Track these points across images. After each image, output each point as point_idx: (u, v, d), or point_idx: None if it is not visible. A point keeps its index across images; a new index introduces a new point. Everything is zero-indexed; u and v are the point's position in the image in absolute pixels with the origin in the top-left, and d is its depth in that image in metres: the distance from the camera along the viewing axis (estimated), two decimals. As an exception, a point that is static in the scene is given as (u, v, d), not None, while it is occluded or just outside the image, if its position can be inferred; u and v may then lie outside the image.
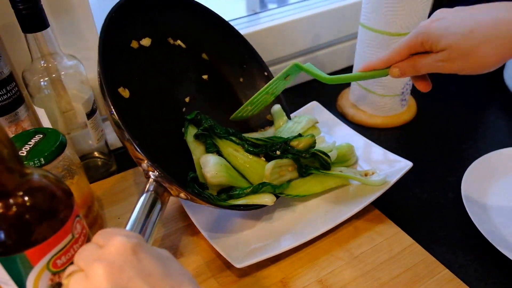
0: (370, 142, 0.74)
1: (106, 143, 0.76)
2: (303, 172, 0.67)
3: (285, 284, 0.57)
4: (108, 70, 0.55)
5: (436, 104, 0.93)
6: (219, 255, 0.60)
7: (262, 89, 0.68)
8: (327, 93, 0.96)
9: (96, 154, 0.76)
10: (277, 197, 0.64)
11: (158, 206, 0.53)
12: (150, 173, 0.54)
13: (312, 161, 0.67)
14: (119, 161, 0.79)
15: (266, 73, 0.77)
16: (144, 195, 0.53)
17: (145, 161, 0.53)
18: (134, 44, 0.66)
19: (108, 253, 0.34)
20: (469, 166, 0.70)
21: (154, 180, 0.54)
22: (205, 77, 0.75)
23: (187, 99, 0.72)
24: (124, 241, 0.35)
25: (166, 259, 0.37)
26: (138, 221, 0.50)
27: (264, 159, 0.67)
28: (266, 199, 0.62)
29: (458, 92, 0.96)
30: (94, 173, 0.75)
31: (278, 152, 0.66)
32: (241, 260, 0.56)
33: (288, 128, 0.73)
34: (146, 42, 0.67)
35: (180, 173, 0.62)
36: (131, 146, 0.53)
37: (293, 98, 0.95)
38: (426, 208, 0.69)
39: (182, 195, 0.55)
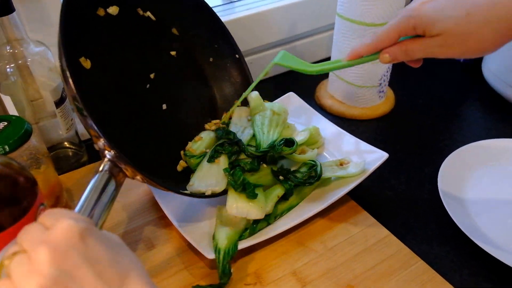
0: (346, 133, 0.73)
1: (76, 133, 0.74)
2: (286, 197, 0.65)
3: (258, 275, 0.56)
4: (69, 37, 0.52)
5: (414, 96, 0.93)
6: (191, 246, 0.58)
7: (244, 93, 0.68)
8: (305, 85, 0.96)
9: (66, 144, 0.74)
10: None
11: (112, 187, 0.50)
12: (106, 152, 0.51)
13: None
14: (91, 151, 0.77)
15: (237, 56, 0.75)
16: (97, 175, 0.50)
17: (101, 139, 0.50)
18: (101, 12, 0.62)
19: (54, 236, 0.32)
20: (446, 158, 0.70)
21: (109, 160, 0.51)
22: (173, 53, 0.72)
23: (152, 75, 0.69)
24: (72, 224, 0.33)
25: (116, 246, 0.35)
26: (88, 202, 0.47)
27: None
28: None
29: (436, 85, 0.96)
30: (65, 163, 0.74)
31: (281, 177, 0.64)
32: (212, 251, 0.56)
33: (265, 118, 0.70)
34: (113, 10, 0.64)
35: (137, 152, 0.59)
36: (86, 121, 0.50)
37: (271, 89, 0.95)
38: (402, 199, 0.68)
39: (138, 177, 0.53)
